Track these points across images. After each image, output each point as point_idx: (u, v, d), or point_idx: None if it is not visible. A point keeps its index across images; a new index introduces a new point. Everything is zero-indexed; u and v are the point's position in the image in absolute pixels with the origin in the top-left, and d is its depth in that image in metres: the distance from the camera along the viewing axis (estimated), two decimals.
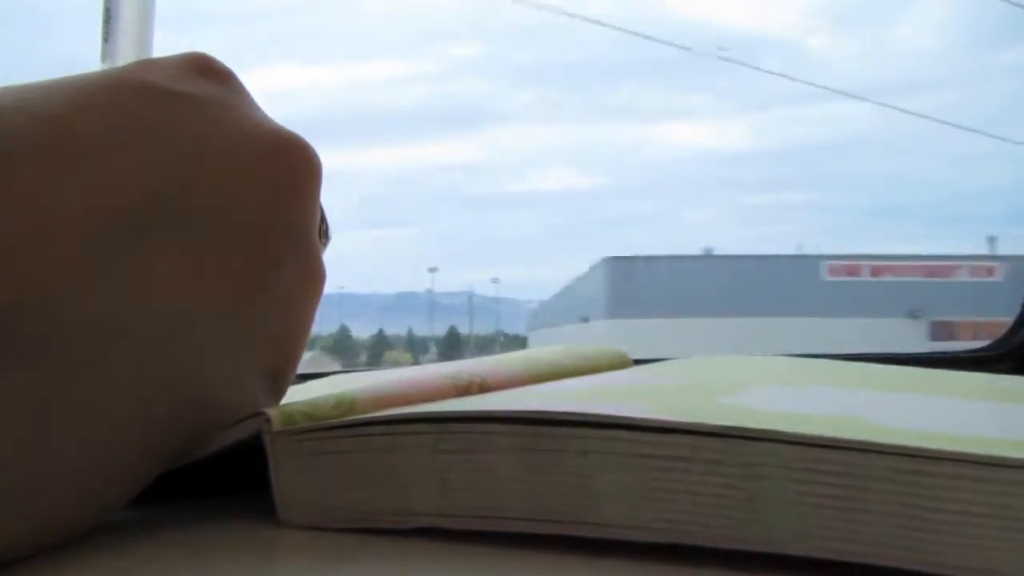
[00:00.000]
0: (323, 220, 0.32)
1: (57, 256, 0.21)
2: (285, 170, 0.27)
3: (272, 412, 0.25)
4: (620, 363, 0.43)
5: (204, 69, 0.26)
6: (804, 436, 0.20)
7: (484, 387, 0.32)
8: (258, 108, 0.28)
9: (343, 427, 0.25)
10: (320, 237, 0.31)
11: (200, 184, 0.24)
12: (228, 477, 0.29)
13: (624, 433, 0.22)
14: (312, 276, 0.28)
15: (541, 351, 0.40)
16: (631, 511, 0.22)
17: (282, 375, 0.28)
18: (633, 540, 0.22)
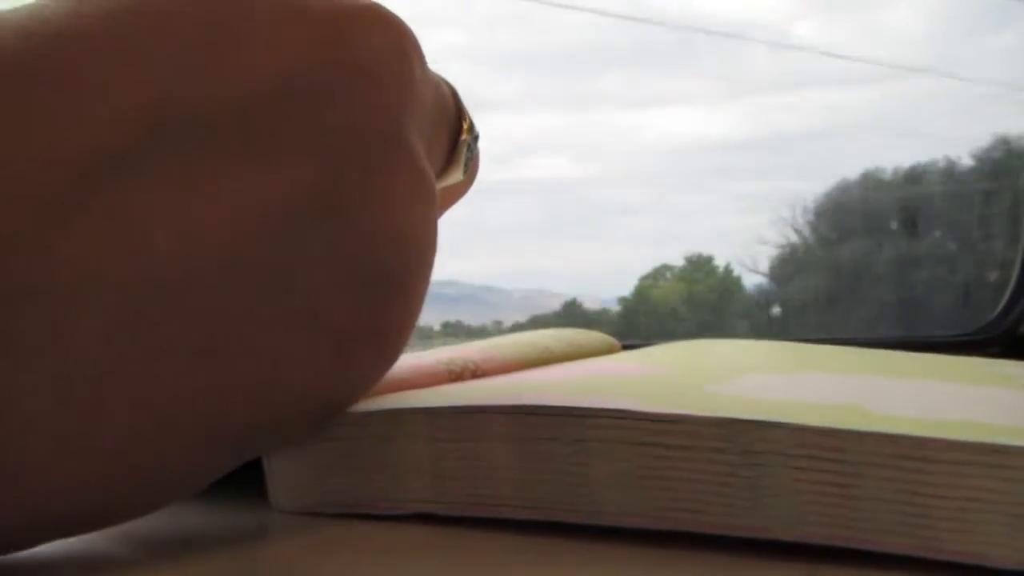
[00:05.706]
0: (462, 113, 0.25)
1: (8, 213, 0.17)
2: (354, 49, 0.20)
3: None
4: (608, 349, 0.43)
5: None
6: (809, 427, 0.20)
7: (478, 373, 0.32)
8: None
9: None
10: (463, 132, 0.25)
11: (220, 85, 0.19)
12: None
13: (621, 422, 0.22)
14: (420, 187, 0.22)
15: (532, 336, 0.40)
16: (628, 499, 0.22)
17: (395, 328, 0.22)
18: (629, 527, 0.22)
